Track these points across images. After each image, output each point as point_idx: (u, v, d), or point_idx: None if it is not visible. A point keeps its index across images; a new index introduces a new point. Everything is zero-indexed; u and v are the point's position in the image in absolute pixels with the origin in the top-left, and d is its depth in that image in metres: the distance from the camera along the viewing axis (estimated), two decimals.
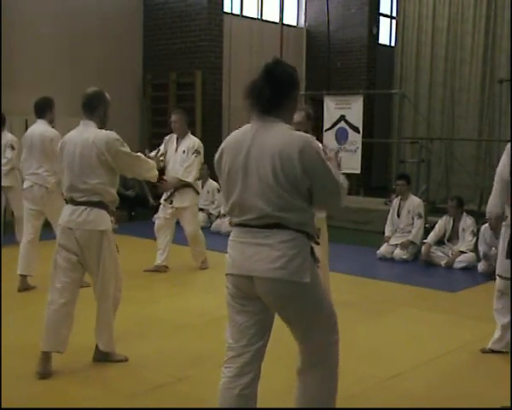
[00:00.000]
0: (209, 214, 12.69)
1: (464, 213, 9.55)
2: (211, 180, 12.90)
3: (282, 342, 4.10)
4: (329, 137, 13.08)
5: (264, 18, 17.82)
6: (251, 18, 17.48)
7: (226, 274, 3.53)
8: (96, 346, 5.20)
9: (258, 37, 17.19)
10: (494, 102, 14.82)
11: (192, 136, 8.76)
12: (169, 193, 8.44)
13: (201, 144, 8.65)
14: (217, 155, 3.58)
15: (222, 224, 11.97)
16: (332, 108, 13.16)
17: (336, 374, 3.60)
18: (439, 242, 9.59)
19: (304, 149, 3.31)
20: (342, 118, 12.95)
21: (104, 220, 4.99)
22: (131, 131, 15.03)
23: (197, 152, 8.46)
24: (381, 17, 18.79)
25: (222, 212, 12.25)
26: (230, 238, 3.54)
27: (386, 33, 19.27)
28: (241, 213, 3.43)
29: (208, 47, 14.76)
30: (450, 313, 6.96)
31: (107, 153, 4.94)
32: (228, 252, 3.52)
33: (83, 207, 4.93)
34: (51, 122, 7.51)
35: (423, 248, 9.54)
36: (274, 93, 3.40)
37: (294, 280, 3.32)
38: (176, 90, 15.04)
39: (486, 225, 7.10)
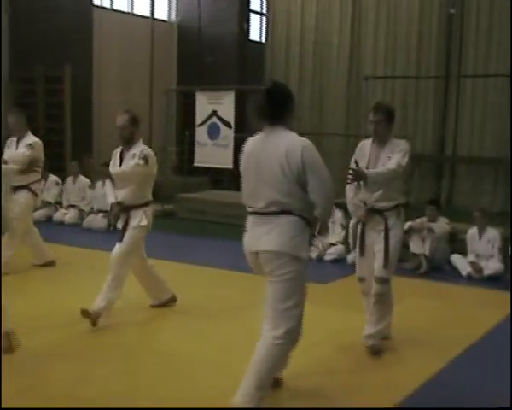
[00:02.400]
0: (80, 210, 12.42)
1: (334, 207, 9.79)
2: (81, 176, 12.63)
3: None
4: (202, 133, 13.11)
5: (135, 12, 17.63)
6: (122, 12, 17.25)
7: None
8: None
9: (130, 31, 17.00)
10: (360, 98, 15.35)
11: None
12: None
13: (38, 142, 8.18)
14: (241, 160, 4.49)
15: (94, 220, 11.76)
16: (204, 104, 13.19)
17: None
18: None
19: (305, 148, 4.21)
20: (214, 113, 13.00)
21: None
22: None
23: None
24: (252, 13, 19.03)
25: (95, 208, 12.04)
26: (247, 225, 4.44)
27: (256, 29, 19.54)
28: (254, 202, 4.30)
29: (77, 40, 14.43)
30: (321, 304, 7.15)
31: None
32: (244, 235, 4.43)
33: None
34: None
35: None
36: (275, 108, 4.32)
37: (292, 254, 4.18)
38: (44, 85, 14.60)
39: None
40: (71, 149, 14.85)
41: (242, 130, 16.33)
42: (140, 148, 6.36)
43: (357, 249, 5.72)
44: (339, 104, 16.12)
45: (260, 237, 4.26)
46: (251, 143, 4.49)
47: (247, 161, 4.42)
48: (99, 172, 12.50)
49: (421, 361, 5.54)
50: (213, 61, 17.71)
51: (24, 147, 8.07)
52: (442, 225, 9.37)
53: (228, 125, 12.87)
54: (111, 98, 16.24)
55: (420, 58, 14.99)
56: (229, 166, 13.08)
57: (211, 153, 13.07)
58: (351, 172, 5.36)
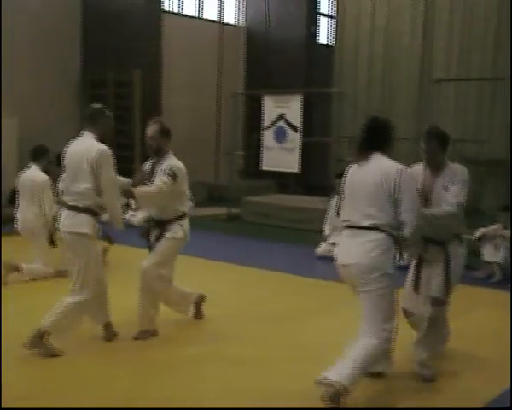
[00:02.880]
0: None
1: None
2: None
3: None
4: (269, 136, 13.05)
5: (203, 17, 17.73)
6: (190, 17, 17.37)
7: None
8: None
9: (198, 35, 17.09)
10: (431, 101, 15.02)
11: None
12: None
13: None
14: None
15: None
16: (271, 107, 13.12)
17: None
18: None
19: (401, 170, 4.59)
20: (281, 117, 12.92)
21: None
22: (71, 129, 14.74)
23: None
24: (320, 16, 18.89)
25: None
26: (340, 240, 4.87)
27: (324, 32, 19.40)
28: (349, 216, 4.71)
29: (147, 46, 14.58)
30: None
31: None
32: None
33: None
34: (44, 168, 8.08)
35: None
36: (376, 139, 4.73)
37: (382, 269, 4.52)
38: (114, 89, 14.81)
39: None
40: (140, 151, 15.01)
41: (309, 134, 16.31)
42: (169, 162, 5.98)
43: (411, 283, 5.28)
44: (409, 108, 15.82)
45: (352, 250, 4.60)
46: (353, 168, 4.82)
47: (350, 181, 4.78)
48: None
49: (479, 384, 5.15)
50: (281, 65, 17.65)
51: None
52: None
53: (295, 128, 12.77)
54: (179, 102, 16.37)
55: (496, 58, 14.54)
56: (296, 170, 12.98)
57: (277, 156, 13.00)
58: None
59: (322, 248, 9.93)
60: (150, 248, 6.10)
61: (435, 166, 5.15)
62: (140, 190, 5.88)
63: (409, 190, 4.57)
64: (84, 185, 5.41)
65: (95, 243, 5.58)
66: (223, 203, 14.06)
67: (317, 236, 10.24)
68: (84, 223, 5.41)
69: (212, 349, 5.72)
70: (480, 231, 9.02)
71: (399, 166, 4.62)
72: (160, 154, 6.05)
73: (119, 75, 14.66)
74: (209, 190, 16.39)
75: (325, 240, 10.00)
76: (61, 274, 7.47)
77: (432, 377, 5.10)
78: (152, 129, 6.08)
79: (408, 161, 14.26)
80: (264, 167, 13.53)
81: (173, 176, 5.87)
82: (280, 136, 12.90)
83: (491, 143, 14.32)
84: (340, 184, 9.98)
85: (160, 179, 5.85)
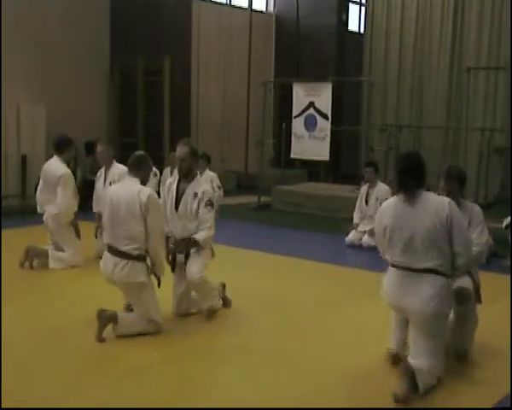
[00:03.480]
0: None
1: None
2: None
3: None
4: (298, 125, 13.06)
5: (233, 3, 17.74)
6: (220, 3, 17.39)
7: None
8: None
9: (228, 23, 17.11)
10: (461, 90, 14.92)
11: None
12: None
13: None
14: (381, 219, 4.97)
15: None
16: (301, 95, 13.13)
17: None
18: None
19: (450, 202, 4.70)
20: (311, 105, 12.92)
21: None
22: (100, 117, 14.89)
23: None
24: (351, 4, 18.80)
25: None
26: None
27: (355, 20, 19.29)
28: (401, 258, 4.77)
29: (177, 33, 14.63)
30: None
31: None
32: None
33: None
34: (67, 160, 8.13)
35: None
36: (414, 178, 4.75)
37: (441, 313, 4.70)
38: (144, 77, 14.90)
39: None
40: (169, 140, 15.09)
41: (339, 122, 16.30)
42: (201, 187, 6.09)
43: None
44: (439, 97, 15.74)
45: (410, 292, 4.68)
46: (391, 206, 4.90)
47: (392, 224, 4.80)
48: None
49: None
50: (311, 53, 17.62)
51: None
52: None
53: (325, 117, 12.77)
54: (209, 90, 16.43)
55: None
56: (326, 158, 13.00)
57: (307, 145, 13.01)
58: None
59: (352, 235, 9.96)
60: (173, 267, 6.15)
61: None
62: (202, 236, 5.99)
63: (459, 223, 4.69)
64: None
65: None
66: (253, 192, 14.12)
67: (348, 224, 10.26)
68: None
69: (245, 339, 5.77)
70: (507, 220, 8.98)
71: (448, 202, 4.72)
72: (190, 174, 6.13)
73: (149, 62, 14.73)
74: (239, 178, 16.45)
75: (355, 228, 10.03)
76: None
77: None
78: (182, 151, 6.11)
79: (439, 150, 14.07)
80: (294, 156, 13.56)
81: (212, 205, 6.07)
82: (310, 124, 12.91)
83: None
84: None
85: (208, 216, 6.00)
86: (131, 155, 5.87)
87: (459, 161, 14.44)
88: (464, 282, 5.17)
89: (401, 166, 4.82)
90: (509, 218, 8.98)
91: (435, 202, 4.73)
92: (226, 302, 6.55)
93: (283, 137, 14.15)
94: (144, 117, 15.22)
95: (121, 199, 5.59)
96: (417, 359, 4.62)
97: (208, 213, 6.00)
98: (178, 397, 4.54)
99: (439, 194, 5.23)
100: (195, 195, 6.01)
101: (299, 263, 8.77)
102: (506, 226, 8.98)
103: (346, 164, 17.57)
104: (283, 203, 13.30)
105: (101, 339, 5.41)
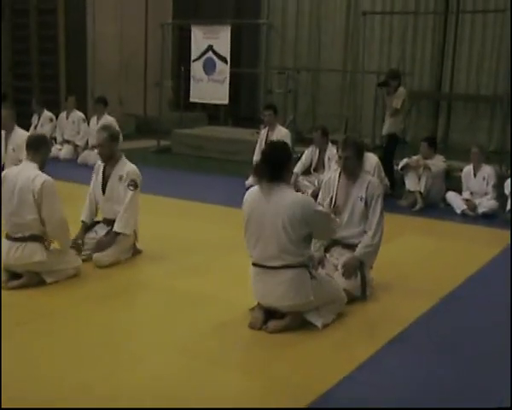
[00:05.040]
0: (75, 146, 12.36)
1: (330, 143, 9.72)
2: (76, 111, 12.53)
3: None
4: (197, 68, 12.97)
5: None
6: None
7: None
8: None
9: None
10: (358, 34, 15.16)
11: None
12: None
13: None
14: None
15: (89, 155, 11.68)
16: (200, 38, 13.00)
17: None
18: (306, 171, 9.80)
19: (304, 207, 4.60)
20: (210, 48, 12.83)
21: None
22: None
23: None
24: None
25: (90, 143, 11.94)
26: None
27: None
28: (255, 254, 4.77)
29: None
30: None
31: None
32: None
33: None
34: None
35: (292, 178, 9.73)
36: (275, 168, 4.60)
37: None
38: (37, 17, 14.39)
39: None
40: (65, 82, 14.72)
41: (238, 65, 16.28)
42: (126, 168, 6.20)
43: None
44: (336, 40, 15.93)
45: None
46: (251, 196, 4.80)
47: (249, 213, 4.74)
48: (93, 107, 12.43)
49: (411, 301, 5.54)
50: None
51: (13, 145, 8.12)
52: (438, 162, 9.35)
53: (224, 60, 12.72)
54: (106, 30, 16.00)
55: None
56: (225, 101, 13.00)
57: (207, 88, 12.96)
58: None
59: (252, 179, 10.07)
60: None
61: (351, 175, 5.48)
62: (121, 225, 6.09)
63: (316, 221, 4.76)
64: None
65: None
66: (152, 136, 13.99)
67: (248, 167, 10.36)
68: None
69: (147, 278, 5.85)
70: (403, 161, 9.33)
71: (304, 200, 4.75)
72: (113, 158, 6.19)
73: (42, 2, 14.22)
74: (138, 122, 16.24)
75: None
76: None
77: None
78: (100, 137, 6.12)
79: (336, 92, 14.25)
80: (194, 99, 13.49)
81: (135, 185, 6.16)
82: (209, 67, 12.84)
83: (414, 76, 14.63)
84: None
85: (130, 197, 6.09)
86: (30, 136, 5.77)
87: (356, 103, 14.78)
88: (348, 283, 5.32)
89: (261, 156, 4.73)
90: (405, 160, 9.33)
91: (292, 202, 4.61)
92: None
93: (182, 79, 14.03)
94: (38, 58, 14.75)
95: (16, 185, 5.38)
96: None
97: (130, 192, 6.10)
98: (91, 337, 4.57)
99: (337, 162, 5.44)
100: (121, 177, 6.14)
101: (201, 207, 8.83)
102: (401, 168, 9.34)
103: (245, 107, 17.60)
104: (183, 146, 13.28)
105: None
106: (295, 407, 3.75)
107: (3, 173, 5.62)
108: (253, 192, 4.78)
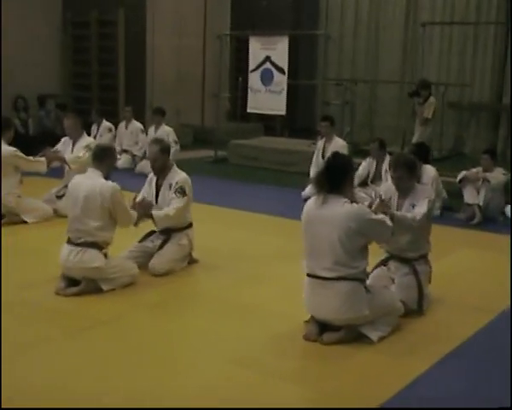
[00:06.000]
0: (133, 156, 12.53)
1: (387, 155, 9.62)
2: (134, 121, 12.71)
3: None
4: (255, 79, 13.02)
5: None
6: None
7: None
8: None
9: None
10: (417, 44, 15.02)
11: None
12: None
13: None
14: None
15: (146, 165, 11.76)
16: (257, 49, 13.05)
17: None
18: (363, 183, 9.71)
19: (358, 218, 4.65)
20: (267, 59, 12.87)
21: None
22: (52, 70, 14.64)
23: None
24: None
25: (148, 153, 12.05)
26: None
27: None
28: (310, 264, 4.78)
29: None
30: None
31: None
32: None
33: None
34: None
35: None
36: (335, 179, 4.67)
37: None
38: (98, 29, 14.67)
39: None
40: (124, 93, 14.94)
41: (296, 76, 16.30)
42: (176, 177, 6.31)
43: None
44: (394, 50, 15.82)
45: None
46: (308, 207, 4.85)
47: (306, 225, 4.83)
48: (151, 118, 12.58)
49: (467, 316, 5.45)
50: (267, 6, 17.50)
51: (81, 149, 8.28)
52: (497, 175, 9.16)
53: (281, 71, 12.74)
54: (164, 42, 16.21)
55: (480, 3, 14.55)
56: (282, 112, 13.01)
57: (264, 99, 13.00)
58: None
59: (309, 190, 10.03)
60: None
61: (403, 191, 5.45)
62: (159, 213, 6.16)
63: (372, 229, 4.80)
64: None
65: None
66: (209, 146, 14.09)
67: (304, 178, 10.34)
68: None
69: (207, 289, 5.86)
70: (461, 174, 9.17)
71: (356, 211, 4.71)
72: (164, 171, 6.34)
73: (103, 15, 14.49)
74: (195, 132, 16.37)
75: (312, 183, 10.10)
76: None
77: None
78: (152, 151, 6.32)
79: (393, 103, 14.23)
80: (251, 110, 13.54)
81: (183, 192, 6.24)
82: (266, 78, 12.88)
83: (474, 87, 14.41)
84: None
85: (175, 201, 6.19)
86: (96, 146, 6.05)
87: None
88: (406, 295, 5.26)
89: (324, 165, 4.79)
90: (464, 172, 9.17)
91: (346, 213, 4.65)
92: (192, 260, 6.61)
93: (239, 90, 14.11)
94: (98, 69, 15.03)
95: (81, 192, 5.59)
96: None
97: (177, 198, 6.19)
98: (146, 345, 4.62)
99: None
100: (170, 186, 6.27)
101: (256, 217, 8.84)
102: (460, 181, 9.17)
103: (301, 118, 17.61)
104: (240, 157, 13.33)
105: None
106: None
107: (70, 182, 5.88)
108: (311, 203, 4.82)
